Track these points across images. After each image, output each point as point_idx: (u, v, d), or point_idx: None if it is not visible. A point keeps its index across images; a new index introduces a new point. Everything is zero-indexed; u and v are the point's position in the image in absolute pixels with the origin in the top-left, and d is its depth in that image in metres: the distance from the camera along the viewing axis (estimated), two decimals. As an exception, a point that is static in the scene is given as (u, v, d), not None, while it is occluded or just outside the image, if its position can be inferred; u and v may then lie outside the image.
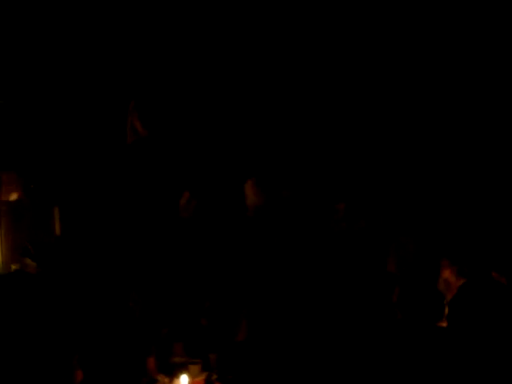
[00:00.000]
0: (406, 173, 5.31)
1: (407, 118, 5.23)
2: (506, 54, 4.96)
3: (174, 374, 3.80)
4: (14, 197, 4.53)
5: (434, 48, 5.12)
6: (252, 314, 4.23)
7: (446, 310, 3.78)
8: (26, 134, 4.67)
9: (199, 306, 4.35)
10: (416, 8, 5.01)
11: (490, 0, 4.90)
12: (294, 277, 4.46)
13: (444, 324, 3.78)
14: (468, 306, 3.66)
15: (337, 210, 5.04)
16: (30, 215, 4.47)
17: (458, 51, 5.07)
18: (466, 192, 5.21)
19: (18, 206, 4.50)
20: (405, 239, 5.05)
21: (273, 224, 4.65)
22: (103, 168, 4.55)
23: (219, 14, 5.02)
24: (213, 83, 5.06)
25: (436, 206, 5.24)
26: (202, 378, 3.81)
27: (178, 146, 4.62)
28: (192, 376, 3.76)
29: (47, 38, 4.63)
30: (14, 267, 4.23)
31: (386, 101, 5.32)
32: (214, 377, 3.83)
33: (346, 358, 3.85)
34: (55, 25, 4.61)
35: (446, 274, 4.08)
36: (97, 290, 3.89)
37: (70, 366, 3.25)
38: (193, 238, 4.39)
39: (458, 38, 5.03)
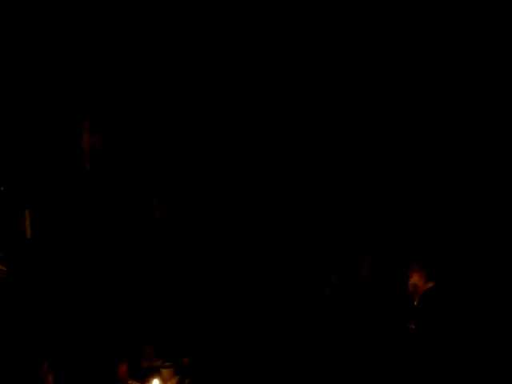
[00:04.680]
0: (380, 177, 5.37)
1: (390, 123, 5.27)
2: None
3: (146, 378, 3.77)
4: (-17, 199, 4.45)
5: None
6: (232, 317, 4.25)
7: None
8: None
9: (173, 309, 4.34)
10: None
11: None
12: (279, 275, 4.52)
13: (412, 326, 3.86)
14: (434, 309, 3.74)
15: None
16: (0, 218, 4.40)
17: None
18: (436, 197, 5.29)
19: (-13, 209, 4.41)
20: (377, 241, 5.13)
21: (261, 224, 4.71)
22: (75, 170, 4.50)
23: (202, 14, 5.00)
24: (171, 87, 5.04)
25: (407, 210, 5.32)
26: (174, 381, 3.80)
27: (140, 151, 4.61)
28: (165, 380, 3.74)
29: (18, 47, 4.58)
30: (-18, 271, 4.15)
31: (375, 101, 5.34)
32: (187, 380, 3.83)
33: (324, 360, 3.89)
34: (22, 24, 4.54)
35: (415, 278, 4.15)
36: (68, 294, 3.86)
37: (41, 371, 3.22)
38: (166, 239, 4.38)
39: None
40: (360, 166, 5.39)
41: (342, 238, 5.18)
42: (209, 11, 4.93)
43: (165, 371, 3.84)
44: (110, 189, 4.40)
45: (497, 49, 5.01)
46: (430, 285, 4.06)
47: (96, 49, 4.71)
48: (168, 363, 3.95)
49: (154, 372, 3.83)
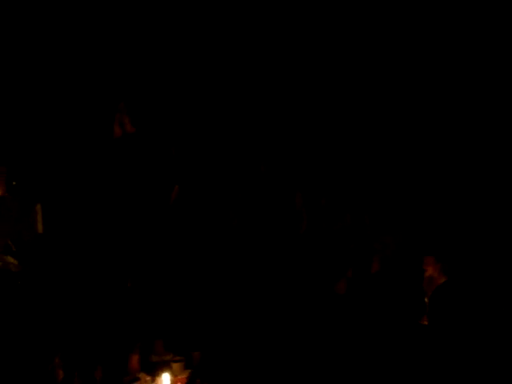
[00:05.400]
0: (390, 172, 5.34)
1: (387, 119, 5.26)
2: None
3: (156, 372, 3.78)
4: (-4, 194, 4.48)
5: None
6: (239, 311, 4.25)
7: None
8: (7, 131, 4.62)
9: (183, 303, 4.34)
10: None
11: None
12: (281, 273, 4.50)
13: (425, 322, 3.82)
14: (447, 304, 3.69)
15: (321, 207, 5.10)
16: (13, 212, 4.42)
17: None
18: (451, 191, 5.24)
19: (0, 203, 4.44)
20: (388, 239, 5.10)
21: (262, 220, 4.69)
22: (87, 164, 4.52)
23: (212, 13, 5.00)
24: (203, 82, 5.04)
25: (423, 204, 5.28)
26: (184, 375, 3.80)
27: (166, 142, 4.60)
28: (175, 374, 3.74)
29: (32, 35, 4.58)
30: (-5, 265, 4.18)
31: (374, 100, 5.33)
32: (197, 375, 3.82)
33: (328, 355, 3.87)
34: (42, 23, 4.56)
35: (430, 270, 4.11)
36: (79, 288, 3.87)
37: (52, 365, 3.23)
38: (182, 233, 4.38)
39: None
40: (371, 161, 5.36)
41: (352, 234, 5.16)
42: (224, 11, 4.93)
43: (175, 365, 3.84)
44: (125, 182, 4.40)
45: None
46: (444, 279, 4.02)
47: (129, 44, 4.73)
48: (178, 357, 3.95)
49: (165, 366, 3.83)
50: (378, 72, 5.23)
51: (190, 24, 4.92)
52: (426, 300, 3.87)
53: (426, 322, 3.80)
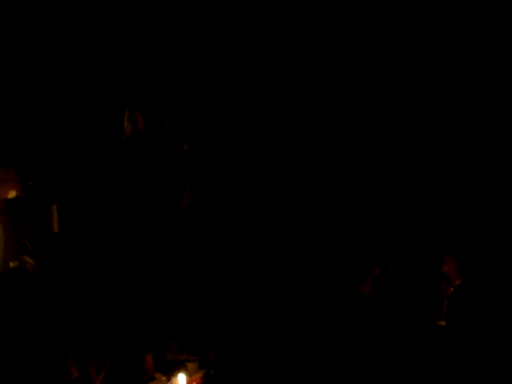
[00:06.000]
0: (409, 169, 5.30)
1: (413, 116, 5.23)
2: (506, 54, 4.94)
3: (171, 372, 3.78)
4: (12, 194, 4.52)
5: (434, 48, 5.11)
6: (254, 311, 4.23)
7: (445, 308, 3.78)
8: (23, 132, 4.66)
9: (198, 303, 4.33)
10: (416, 8, 5.00)
11: (490, 0, 4.88)
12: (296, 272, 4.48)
13: (443, 323, 3.77)
14: (466, 305, 3.64)
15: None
16: (29, 212, 4.45)
17: (458, 51, 5.06)
18: (471, 191, 5.20)
19: (16, 204, 4.48)
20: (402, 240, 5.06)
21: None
22: (101, 164, 4.53)
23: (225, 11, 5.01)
24: (213, 80, 5.04)
25: (443, 203, 5.24)
26: (199, 375, 3.79)
27: (178, 139, 4.60)
28: (190, 374, 3.74)
29: (45, 35, 4.62)
30: (12, 265, 4.22)
31: (388, 102, 5.32)
32: (212, 374, 3.82)
33: (343, 356, 3.83)
34: (53, 19, 4.59)
35: (446, 268, 4.06)
36: (94, 287, 3.88)
37: (67, 363, 3.24)
38: (194, 232, 4.37)
39: (458, 38, 5.02)
40: (384, 161, 5.34)
41: (366, 235, 5.12)
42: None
43: (190, 365, 3.84)
44: (138, 180, 4.40)
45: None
46: (460, 280, 3.97)
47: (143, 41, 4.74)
48: (193, 357, 3.95)
49: (180, 366, 3.83)
50: (389, 74, 5.22)
51: (206, 20, 4.92)
52: (444, 301, 3.83)
53: (443, 323, 3.76)
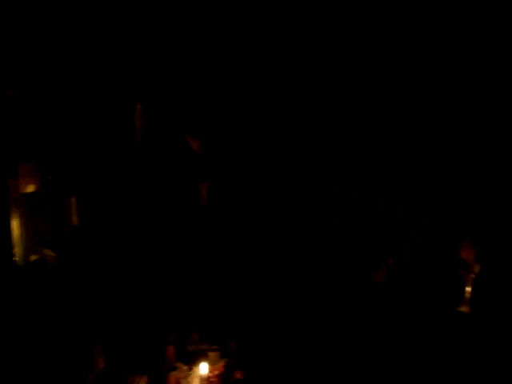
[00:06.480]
0: (427, 157, 5.27)
1: (430, 111, 5.20)
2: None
3: (193, 361, 3.81)
4: (31, 188, 4.55)
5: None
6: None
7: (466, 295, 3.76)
8: (42, 126, 4.68)
9: (216, 294, 4.36)
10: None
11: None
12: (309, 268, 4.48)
13: (464, 309, 3.75)
14: (490, 292, 3.62)
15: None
16: (48, 206, 4.49)
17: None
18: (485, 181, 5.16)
19: (35, 198, 4.51)
20: (421, 226, 5.03)
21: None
22: (120, 158, 4.56)
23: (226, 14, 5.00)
24: (221, 82, 5.04)
25: (461, 191, 5.21)
26: (221, 364, 3.82)
27: (194, 135, 4.62)
28: (211, 363, 3.77)
29: (64, 32, 4.63)
30: (33, 258, 4.26)
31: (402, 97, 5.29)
32: (233, 363, 3.85)
33: (364, 348, 3.84)
34: (71, 20, 4.60)
35: (464, 254, 4.04)
36: (116, 279, 3.91)
37: (92, 354, 3.28)
38: (211, 226, 4.39)
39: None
40: (401, 149, 5.31)
41: (384, 221, 5.11)
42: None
43: (211, 354, 3.87)
44: (156, 176, 4.43)
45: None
46: (479, 266, 3.95)
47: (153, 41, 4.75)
48: (215, 347, 3.98)
49: (201, 356, 3.86)
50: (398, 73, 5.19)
51: (215, 22, 4.91)
52: (464, 287, 3.81)
53: (464, 309, 3.74)
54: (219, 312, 4.33)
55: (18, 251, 4.06)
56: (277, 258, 4.53)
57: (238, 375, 3.74)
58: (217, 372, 3.71)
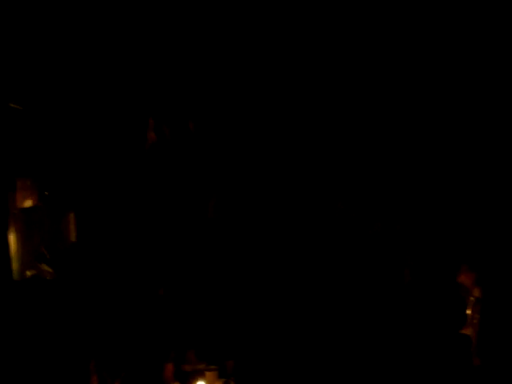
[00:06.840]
0: (426, 178, 5.27)
1: (416, 119, 5.20)
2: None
3: (190, 381, 3.76)
4: (29, 203, 4.53)
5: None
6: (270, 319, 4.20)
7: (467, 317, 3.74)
8: (40, 141, 4.67)
9: (215, 312, 4.31)
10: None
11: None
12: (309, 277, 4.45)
13: (467, 331, 3.72)
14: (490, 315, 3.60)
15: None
16: (46, 221, 4.46)
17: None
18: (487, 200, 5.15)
19: (33, 213, 4.49)
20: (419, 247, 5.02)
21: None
22: (119, 173, 4.54)
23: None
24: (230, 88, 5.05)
25: (459, 212, 5.20)
26: (219, 384, 3.77)
27: (201, 148, 4.61)
28: (209, 383, 3.71)
29: (63, 46, 4.65)
30: (29, 273, 4.21)
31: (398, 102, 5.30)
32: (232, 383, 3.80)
33: (363, 361, 3.80)
34: (72, 31, 4.62)
35: (463, 277, 4.04)
36: (113, 296, 3.87)
37: (87, 371, 3.22)
38: (218, 241, 4.36)
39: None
40: (400, 169, 5.31)
41: (380, 241, 5.08)
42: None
43: (209, 374, 3.82)
44: (159, 190, 4.40)
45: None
46: (478, 290, 3.95)
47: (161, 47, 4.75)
48: (212, 366, 3.92)
49: (198, 375, 3.81)
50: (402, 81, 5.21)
51: (223, 28, 4.94)
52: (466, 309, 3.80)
53: (467, 331, 3.72)
54: (217, 330, 4.28)
55: (14, 266, 4.02)
56: (278, 277, 4.49)
57: (235, 396, 3.68)
58: (214, 392, 3.66)
